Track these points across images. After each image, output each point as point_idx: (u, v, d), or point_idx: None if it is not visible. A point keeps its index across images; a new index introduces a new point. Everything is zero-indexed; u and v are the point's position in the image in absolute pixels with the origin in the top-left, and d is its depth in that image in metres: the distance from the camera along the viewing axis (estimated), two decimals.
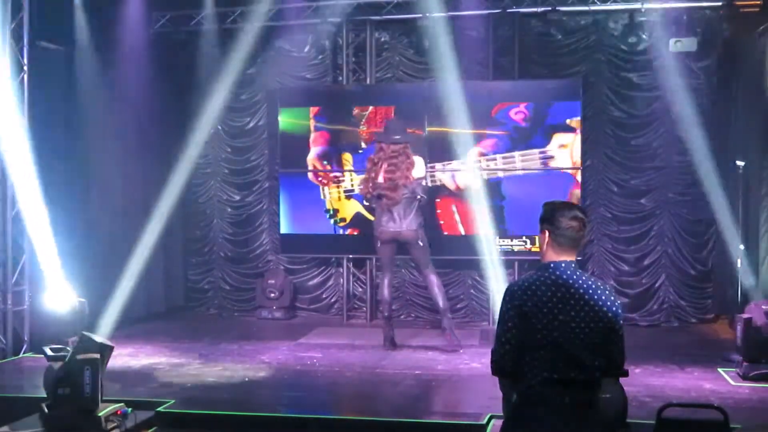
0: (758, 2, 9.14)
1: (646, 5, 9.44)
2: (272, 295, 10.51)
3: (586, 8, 9.67)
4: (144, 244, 10.19)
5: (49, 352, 6.26)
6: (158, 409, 6.06)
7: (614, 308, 3.13)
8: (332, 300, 10.82)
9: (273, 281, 10.52)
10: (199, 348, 8.56)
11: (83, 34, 9.13)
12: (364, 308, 10.51)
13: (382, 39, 10.60)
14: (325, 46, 10.36)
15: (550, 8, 9.58)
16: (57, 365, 5.63)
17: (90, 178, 9.27)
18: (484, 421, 5.65)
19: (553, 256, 3.18)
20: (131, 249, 9.99)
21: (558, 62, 10.09)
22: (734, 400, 6.27)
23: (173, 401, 6.25)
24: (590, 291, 3.11)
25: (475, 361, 7.73)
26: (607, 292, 3.16)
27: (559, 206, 3.24)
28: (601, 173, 10.01)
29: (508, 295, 3.14)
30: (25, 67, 8.28)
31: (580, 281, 3.13)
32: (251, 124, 10.96)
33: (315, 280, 10.86)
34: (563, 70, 10.03)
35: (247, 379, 7.21)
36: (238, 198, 11.08)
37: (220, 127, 11.00)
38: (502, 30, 10.06)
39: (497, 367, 3.14)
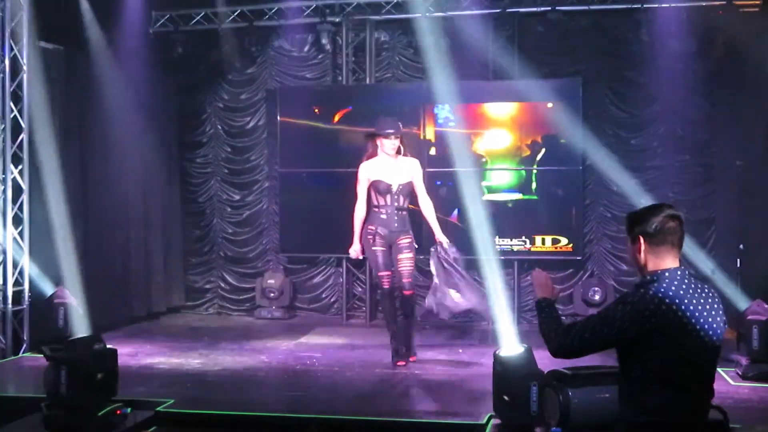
0: (758, 2, 9.14)
1: (646, 5, 9.44)
2: (272, 294, 10.50)
3: (586, 8, 9.67)
4: (144, 244, 10.23)
5: (49, 352, 6.24)
6: (158, 408, 6.04)
7: (722, 326, 2.91)
8: (332, 300, 10.81)
9: (272, 281, 10.50)
10: (199, 347, 8.55)
11: (83, 34, 9.13)
12: (364, 308, 10.49)
13: (382, 39, 10.60)
14: (324, 46, 10.35)
15: (549, 8, 9.57)
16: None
17: (89, 178, 9.26)
18: (484, 421, 5.65)
19: (657, 264, 2.92)
20: (131, 249, 10.03)
21: (558, 62, 10.08)
22: (734, 400, 6.25)
23: (173, 401, 6.23)
24: (699, 308, 2.86)
25: (475, 361, 7.73)
26: (716, 305, 2.93)
27: (649, 208, 2.98)
28: (601, 173, 10.00)
29: (640, 303, 2.84)
30: (25, 67, 8.27)
31: (693, 294, 2.87)
32: (251, 124, 10.96)
33: (314, 280, 10.84)
34: (563, 70, 10.02)
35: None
36: (238, 198, 11.08)
37: (220, 127, 11.03)
38: (502, 30, 10.06)
39: (564, 348, 2.96)
